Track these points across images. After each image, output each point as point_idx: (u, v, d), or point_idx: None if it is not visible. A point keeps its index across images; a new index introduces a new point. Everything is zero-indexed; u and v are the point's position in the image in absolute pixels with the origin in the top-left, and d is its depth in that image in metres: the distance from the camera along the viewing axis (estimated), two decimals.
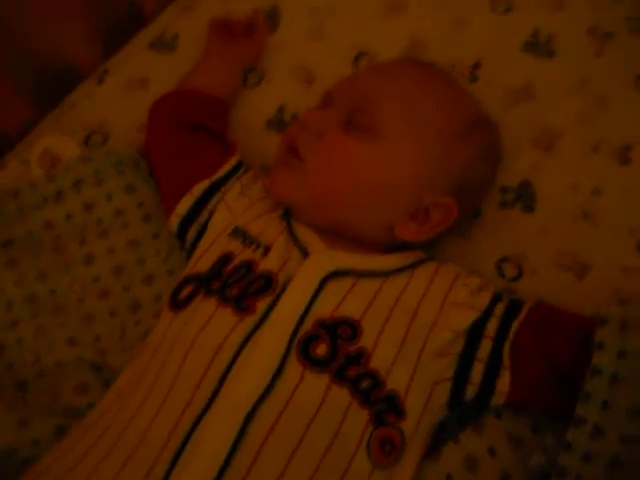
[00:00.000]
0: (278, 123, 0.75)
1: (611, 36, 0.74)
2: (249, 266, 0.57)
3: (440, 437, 0.56)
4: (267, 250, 0.58)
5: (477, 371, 0.55)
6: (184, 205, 0.64)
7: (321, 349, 0.52)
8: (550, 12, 0.76)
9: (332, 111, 0.61)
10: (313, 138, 0.59)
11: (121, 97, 0.75)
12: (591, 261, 0.64)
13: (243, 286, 0.55)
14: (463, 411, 0.57)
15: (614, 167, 0.67)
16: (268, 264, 0.57)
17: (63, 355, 0.63)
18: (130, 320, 0.65)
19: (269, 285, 0.55)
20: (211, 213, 0.64)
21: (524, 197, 0.68)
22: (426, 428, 0.54)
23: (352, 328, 0.53)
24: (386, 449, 0.51)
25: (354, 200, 0.59)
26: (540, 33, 0.75)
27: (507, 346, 0.55)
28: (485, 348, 0.55)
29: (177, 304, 0.58)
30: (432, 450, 0.55)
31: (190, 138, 0.67)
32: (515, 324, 0.55)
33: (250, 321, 0.53)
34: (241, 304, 0.54)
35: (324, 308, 0.54)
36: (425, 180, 0.59)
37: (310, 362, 0.51)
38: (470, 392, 0.55)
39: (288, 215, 0.63)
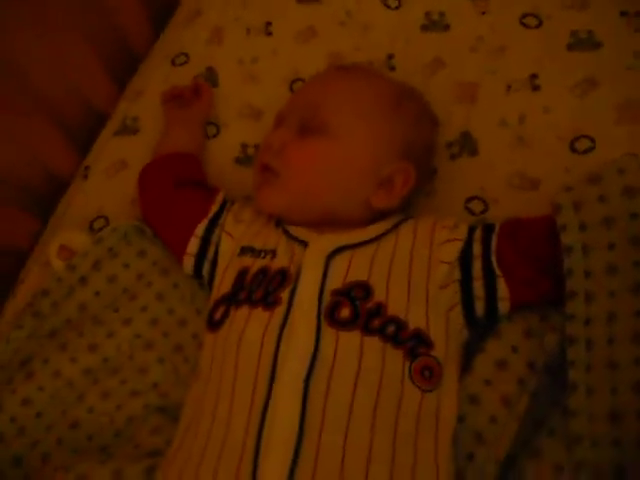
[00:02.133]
0: (245, 159, 0.86)
1: None
2: (264, 271, 0.66)
3: (469, 352, 0.64)
4: (274, 253, 0.68)
5: (478, 287, 0.64)
6: (193, 246, 0.74)
7: (345, 312, 0.61)
8: None
9: (286, 127, 0.72)
10: (279, 153, 0.70)
11: (108, 182, 0.85)
12: (538, 174, 0.75)
13: (265, 286, 0.64)
14: (481, 327, 0.66)
15: (529, 95, 0.80)
16: (279, 263, 0.66)
17: (131, 408, 0.69)
18: (179, 360, 0.73)
19: (285, 278, 0.64)
20: (217, 245, 0.73)
21: (467, 145, 0.80)
22: (455, 349, 0.63)
23: (363, 288, 0.62)
24: (426, 375, 0.60)
25: (329, 188, 0.69)
26: (432, 14, 0.88)
27: (494, 258, 0.64)
28: (477, 267, 0.64)
29: (214, 324, 0.66)
30: (466, 366, 0.64)
31: (178, 193, 0.77)
32: (494, 239, 0.65)
33: (280, 310, 0.62)
34: (268, 300, 0.63)
35: (335, 280, 0.63)
36: (379, 153, 0.69)
37: (340, 324, 0.60)
38: (479, 307, 0.64)
39: (280, 223, 0.72)
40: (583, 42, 0.80)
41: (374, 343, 0.59)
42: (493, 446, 0.59)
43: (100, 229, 0.82)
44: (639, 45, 0.79)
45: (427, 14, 0.88)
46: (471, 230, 0.67)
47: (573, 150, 0.75)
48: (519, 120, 0.78)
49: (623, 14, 0.81)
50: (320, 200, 0.70)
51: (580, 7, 0.83)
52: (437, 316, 0.63)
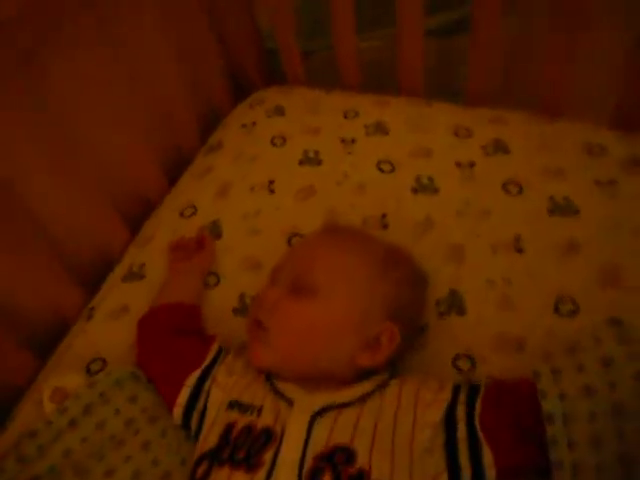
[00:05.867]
0: (242, 309, 0.89)
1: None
2: (249, 428, 0.66)
3: None
4: (260, 410, 0.68)
5: (463, 455, 0.63)
6: (183, 396, 0.75)
7: (326, 479, 0.60)
8: (421, 160, 0.98)
9: (279, 284, 0.76)
10: (271, 310, 0.73)
11: (110, 325, 0.88)
12: (524, 335, 0.77)
13: (248, 446, 0.64)
14: None
15: (513, 257, 0.84)
16: (264, 421, 0.67)
17: None
18: None
19: (269, 438, 0.64)
20: (207, 397, 0.74)
21: (455, 304, 0.82)
22: None
23: (346, 453, 0.62)
24: None
25: (317, 348, 0.72)
26: (421, 178, 0.96)
27: (477, 423, 0.64)
28: (461, 429, 0.64)
29: None
30: None
31: (174, 341, 0.80)
32: (478, 403, 0.66)
33: (261, 474, 0.61)
34: (250, 462, 0.62)
35: (318, 443, 0.63)
36: (365, 315, 0.72)
37: None
38: (466, 477, 0.63)
39: (270, 377, 0.74)
40: (562, 208, 0.86)
41: None
42: None
43: (97, 371, 0.83)
44: (616, 212, 0.85)
45: (417, 178, 0.96)
46: (456, 391, 0.68)
47: (557, 312, 0.77)
48: (504, 281, 0.82)
49: (597, 183, 0.88)
50: (307, 358, 0.72)
51: (556, 175, 0.90)
52: None
